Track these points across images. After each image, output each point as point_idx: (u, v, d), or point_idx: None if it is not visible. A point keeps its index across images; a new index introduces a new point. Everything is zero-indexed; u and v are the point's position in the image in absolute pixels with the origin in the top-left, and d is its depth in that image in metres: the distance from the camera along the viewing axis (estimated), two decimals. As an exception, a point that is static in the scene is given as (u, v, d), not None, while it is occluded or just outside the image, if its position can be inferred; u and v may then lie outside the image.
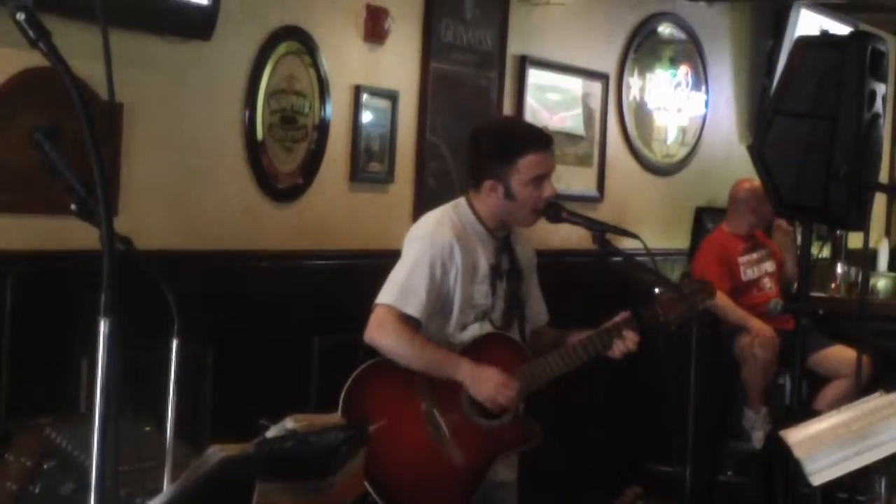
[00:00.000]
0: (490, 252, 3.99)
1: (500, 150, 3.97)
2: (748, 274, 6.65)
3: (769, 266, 6.75)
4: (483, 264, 3.96)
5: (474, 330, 3.95)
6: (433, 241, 3.88)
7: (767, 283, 6.70)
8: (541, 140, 4.02)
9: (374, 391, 3.87)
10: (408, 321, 3.84)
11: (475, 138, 4.09)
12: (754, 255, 6.72)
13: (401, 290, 3.84)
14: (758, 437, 6.45)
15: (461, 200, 4.04)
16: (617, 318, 3.99)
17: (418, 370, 3.86)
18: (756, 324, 6.39)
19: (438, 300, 3.88)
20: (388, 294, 3.86)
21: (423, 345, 3.85)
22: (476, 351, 3.92)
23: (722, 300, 6.47)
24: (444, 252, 3.88)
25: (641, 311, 4.00)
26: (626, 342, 3.93)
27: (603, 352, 3.97)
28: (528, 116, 6.54)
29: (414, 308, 3.83)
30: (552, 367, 3.96)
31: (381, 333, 3.85)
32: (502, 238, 4.05)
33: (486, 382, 3.86)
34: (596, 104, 7.15)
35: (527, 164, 3.92)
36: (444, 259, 3.88)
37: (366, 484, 3.47)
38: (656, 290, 4.04)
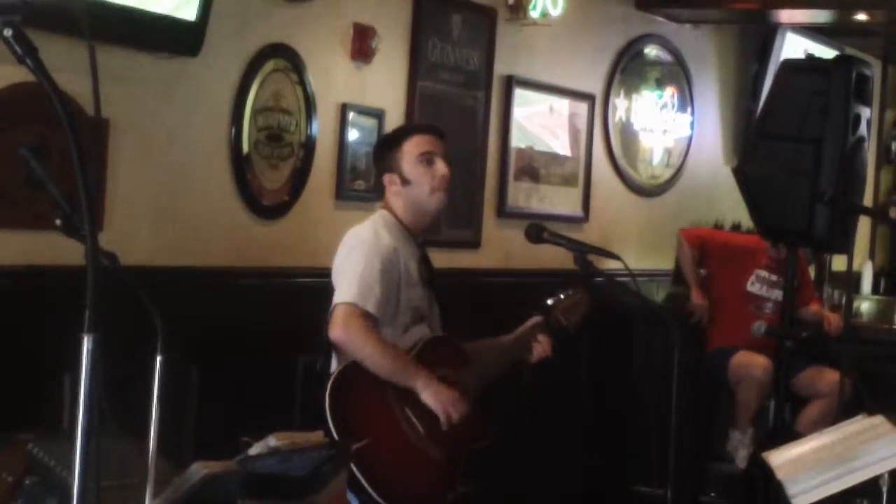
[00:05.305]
0: (416, 256, 4.14)
1: (386, 142, 4.29)
2: (755, 287, 6.55)
3: (779, 295, 6.39)
4: (414, 267, 4.09)
5: (416, 333, 4.05)
6: (377, 244, 3.97)
7: (768, 308, 6.55)
8: (422, 126, 4.40)
9: (355, 398, 3.88)
10: (370, 318, 3.89)
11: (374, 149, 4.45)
12: (773, 278, 6.54)
13: (359, 287, 3.89)
14: (741, 457, 6.40)
15: (381, 211, 4.17)
16: (529, 323, 4.20)
17: (378, 373, 3.89)
18: (694, 294, 6.50)
19: (388, 301, 3.96)
20: (346, 292, 3.90)
21: (386, 349, 3.91)
22: (423, 354, 4.02)
23: (687, 257, 6.64)
24: (389, 254, 3.98)
25: (548, 318, 4.22)
26: (542, 345, 4.15)
27: (526, 354, 4.17)
28: (514, 136, 6.55)
29: (373, 305, 3.89)
30: (493, 368, 4.14)
31: (348, 332, 3.88)
32: (421, 245, 4.20)
33: (441, 396, 3.94)
34: (582, 124, 7.16)
35: (410, 144, 4.13)
36: (390, 261, 3.97)
37: (364, 482, 3.64)
38: (549, 301, 4.24)
